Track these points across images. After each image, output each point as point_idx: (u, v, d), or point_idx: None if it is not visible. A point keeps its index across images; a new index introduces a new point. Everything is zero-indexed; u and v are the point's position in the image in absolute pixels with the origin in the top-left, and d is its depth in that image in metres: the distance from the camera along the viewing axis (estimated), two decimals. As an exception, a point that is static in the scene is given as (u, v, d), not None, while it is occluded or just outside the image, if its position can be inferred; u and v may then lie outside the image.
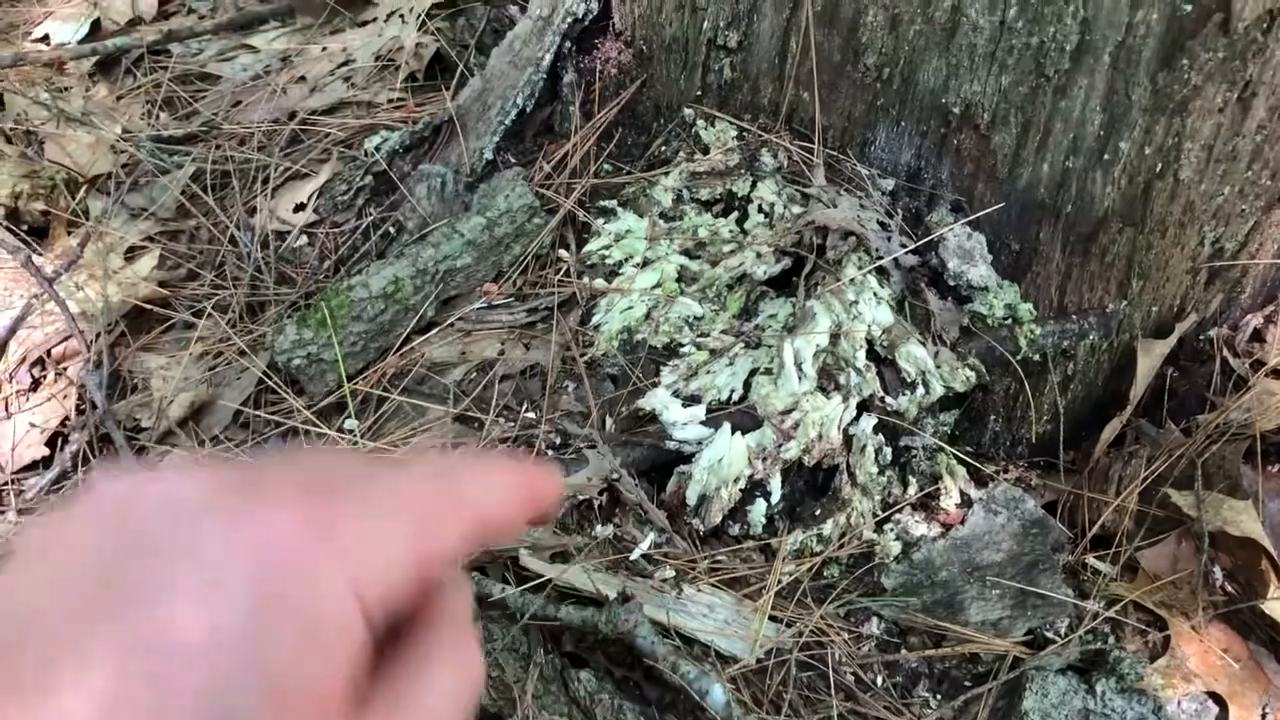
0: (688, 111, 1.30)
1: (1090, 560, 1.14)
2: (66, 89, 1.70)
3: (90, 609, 0.30)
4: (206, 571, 0.31)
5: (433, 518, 0.37)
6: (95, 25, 1.85)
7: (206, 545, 0.31)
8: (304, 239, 1.42)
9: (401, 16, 1.69)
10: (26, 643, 0.30)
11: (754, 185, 1.19)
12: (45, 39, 1.83)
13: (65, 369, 1.32)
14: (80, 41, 1.81)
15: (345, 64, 1.67)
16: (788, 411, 1.07)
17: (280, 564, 0.32)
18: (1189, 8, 0.98)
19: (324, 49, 1.71)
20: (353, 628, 0.33)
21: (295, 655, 0.31)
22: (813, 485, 1.13)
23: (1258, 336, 1.26)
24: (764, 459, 1.07)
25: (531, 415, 1.17)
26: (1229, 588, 1.11)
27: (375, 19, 1.74)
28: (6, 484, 1.22)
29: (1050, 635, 1.06)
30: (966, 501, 1.14)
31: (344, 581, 0.32)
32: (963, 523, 1.11)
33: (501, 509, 0.40)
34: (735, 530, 1.10)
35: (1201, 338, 1.24)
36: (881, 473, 1.11)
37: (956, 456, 1.15)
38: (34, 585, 0.31)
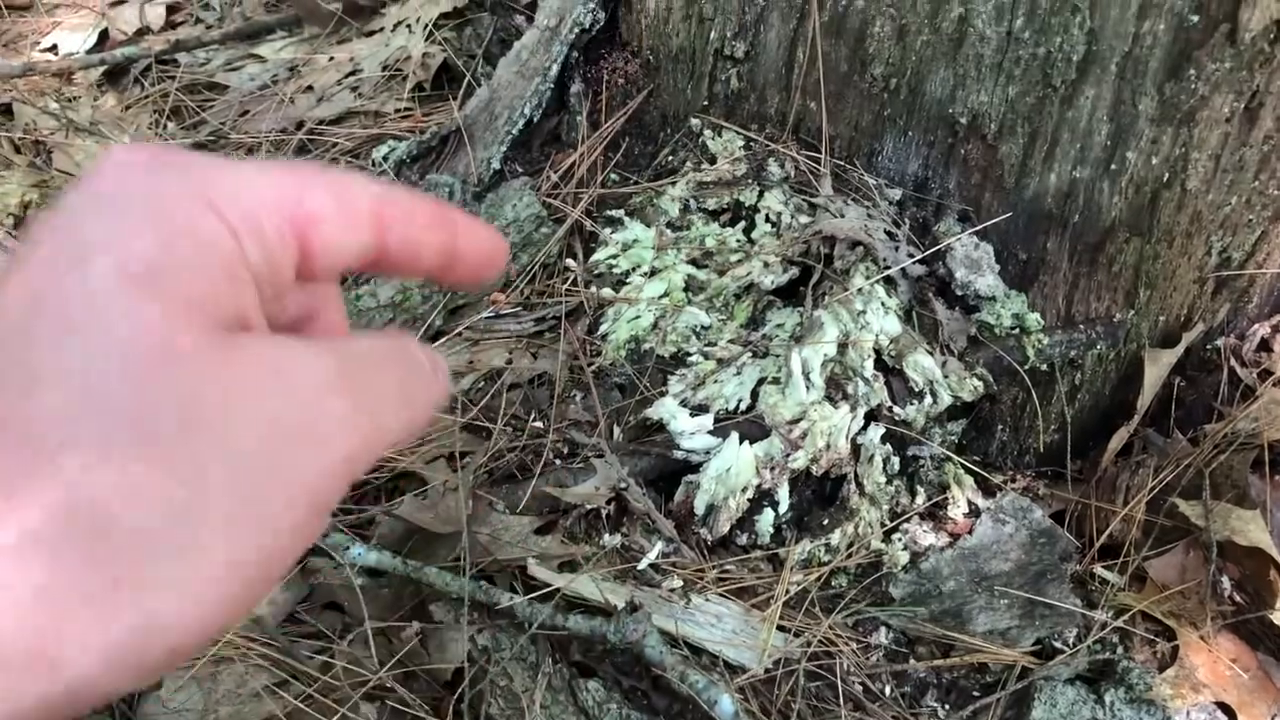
0: (695, 121, 1.31)
1: (1098, 570, 1.14)
2: (75, 99, 1.71)
3: None
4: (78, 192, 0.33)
5: (307, 181, 0.36)
6: (103, 35, 1.86)
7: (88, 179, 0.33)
8: (312, 248, 1.42)
9: (409, 26, 1.70)
10: None
11: (761, 195, 1.19)
12: (54, 49, 1.84)
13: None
14: (88, 51, 1.82)
15: (352, 74, 1.68)
16: (795, 421, 1.07)
17: (104, 169, 0.33)
18: (1195, 18, 0.98)
19: (331, 59, 1.72)
20: (209, 232, 0.32)
21: (151, 241, 0.31)
22: (820, 495, 1.13)
23: (1265, 346, 1.26)
24: (772, 468, 1.07)
25: (539, 424, 1.17)
26: (1237, 598, 1.11)
27: (382, 29, 1.74)
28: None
29: (1058, 645, 1.06)
30: (974, 511, 1.14)
31: (194, 191, 0.33)
32: (970, 532, 1.11)
33: (401, 210, 0.38)
34: (743, 540, 1.10)
35: (1209, 347, 1.24)
36: (889, 482, 1.11)
37: (964, 466, 1.15)
38: None
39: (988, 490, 1.17)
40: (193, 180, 0.33)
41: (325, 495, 0.33)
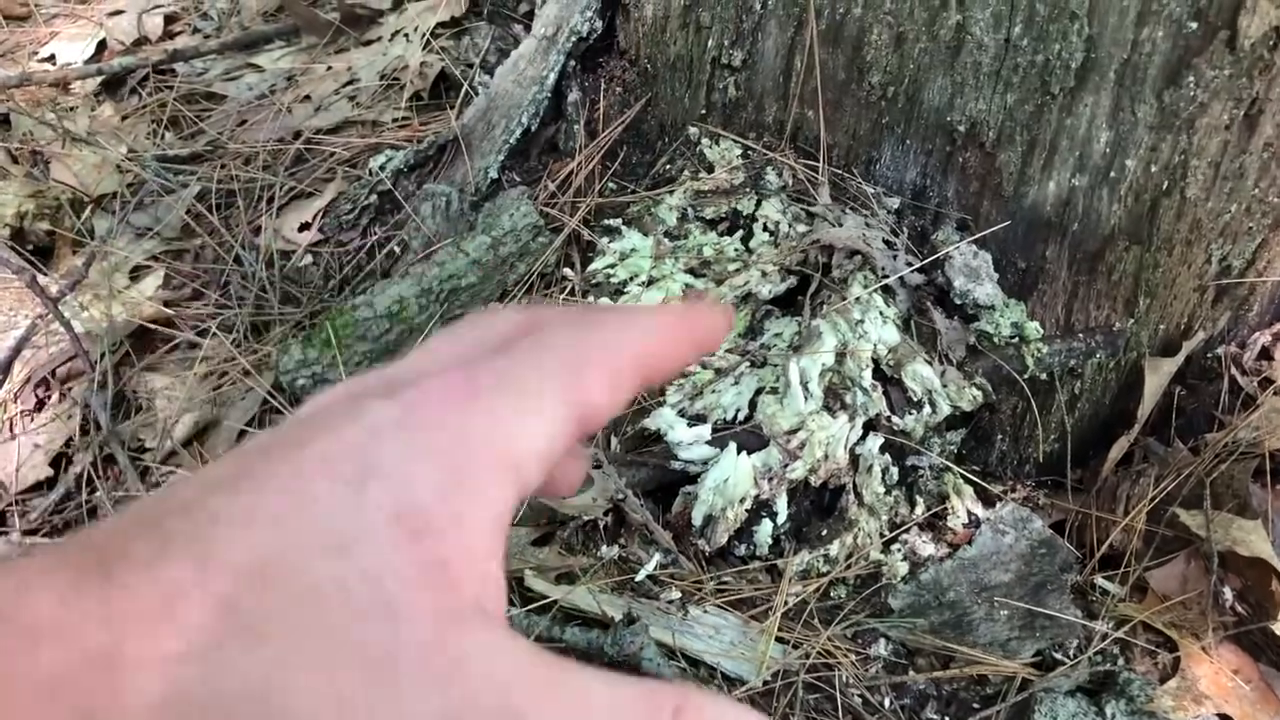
0: (692, 130, 1.30)
1: (1099, 580, 1.13)
2: (72, 109, 1.71)
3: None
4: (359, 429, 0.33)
5: (578, 365, 0.37)
6: (101, 45, 1.86)
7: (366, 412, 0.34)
8: (309, 258, 1.42)
9: (406, 36, 1.70)
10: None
11: (759, 204, 1.19)
12: (51, 59, 1.84)
13: (70, 389, 1.32)
14: (86, 62, 1.82)
15: (350, 83, 1.68)
16: (794, 431, 1.06)
17: (424, 420, 0.33)
18: (1194, 25, 0.98)
19: (329, 68, 1.71)
20: (498, 478, 0.33)
21: (439, 495, 0.33)
22: (819, 505, 1.12)
23: (1266, 354, 1.25)
24: (770, 479, 1.07)
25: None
26: (1239, 608, 1.10)
27: (380, 38, 1.74)
28: (11, 505, 1.21)
29: (1059, 656, 1.05)
30: (974, 521, 1.14)
31: (491, 434, 0.34)
32: (970, 543, 1.10)
33: (659, 345, 0.40)
34: (741, 551, 1.10)
35: (1209, 355, 1.23)
36: (888, 492, 1.11)
37: (964, 476, 1.15)
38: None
39: (987, 500, 1.16)
40: (497, 433, 0.34)
41: None
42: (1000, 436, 1.20)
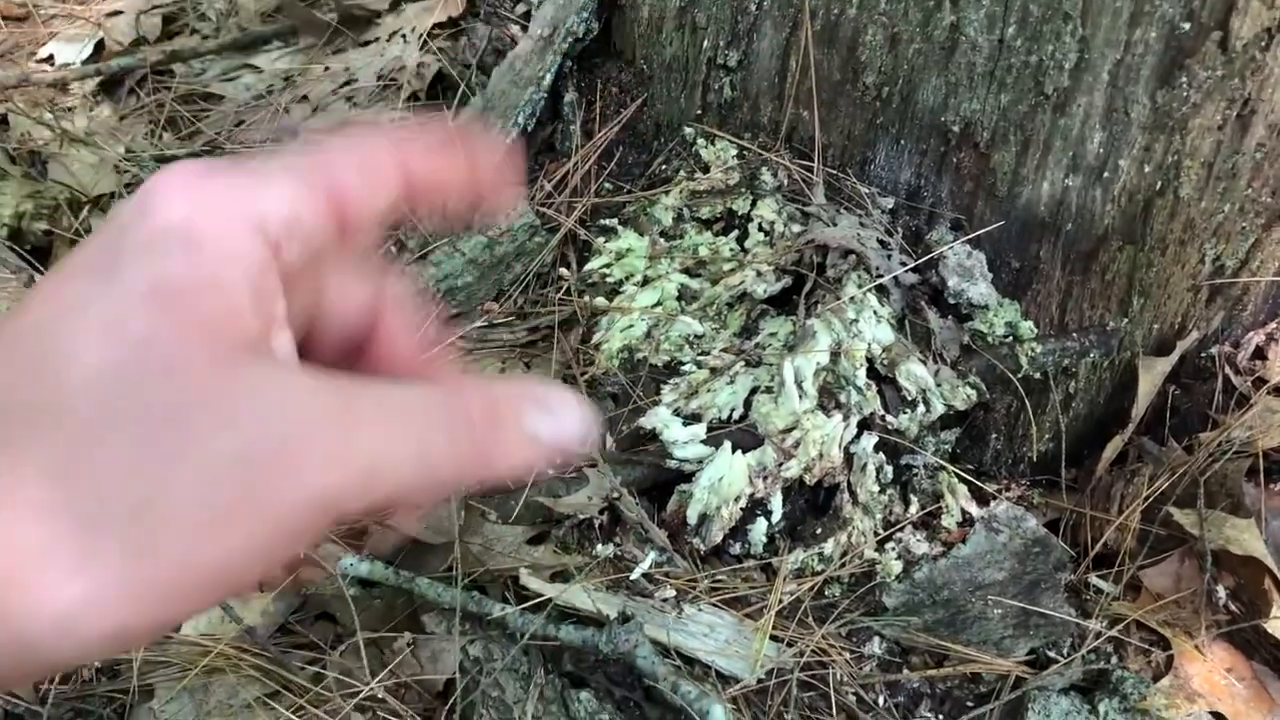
0: (688, 130, 1.31)
1: (1093, 579, 1.14)
2: (70, 109, 1.71)
3: None
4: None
5: (322, 150, 0.38)
6: (99, 46, 1.87)
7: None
8: (306, 258, 1.42)
9: (403, 36, 1.70)
10: None
11: (754, 204, 1.19)
12: (50, 60, 1.84)
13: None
14: (84, 62, 1.82)
15: (348, 83, 1.68)
16: (788, 430, 1.07)
17: (150, 190, 0.36)
18: (1187, 25, 0.98)
19: (326, 68, 1.72)
20: (242, 251, 0.35)
21: (186, 262, 0.35)
22: (814, 504, 1.12)
23: (1260, 354, 1.25)
24: (765, 478, 1.07)
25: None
26: (1233, 607, 1.10)
27: (377, 39, 1.75)
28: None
29: (1053, 655, 1.05)
30: (968, 520, 1.14)
31: (232, 210, 0.36)
32: (964, 541, 1.11)
33: (418, 149, 0.39)
34: (736, 549, 1.10)
35: (1203, 355, 1.24)
36: (883, 491, 1.11)
37: (958, 475, 1.15)
38: None
39: (981, 499, 1.17)
40: (233, 199, 0.36)
41: (294, 526, 0.34)
42: (995, 435, 1.20)
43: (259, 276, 0.35)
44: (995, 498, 1.16)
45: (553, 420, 0.41)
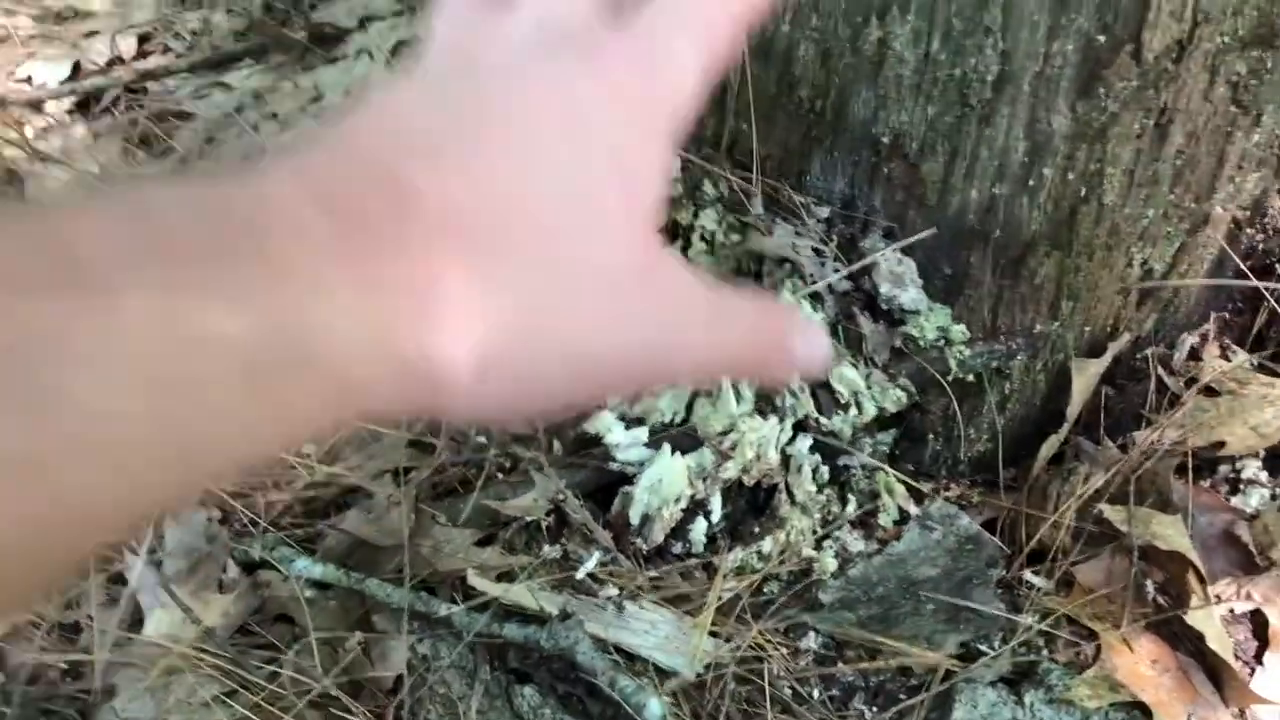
0: (636, 143, 1.34)
1: (1027, 575, 1.17)
2: (46, 129, 1.75)
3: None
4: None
5: (709, 28, 0.47)
6: (77, 66, 1.91)
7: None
8: (270, 271, 1.46)
9: (370, 54, 1.74)
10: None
11: (696, 214, 1.23)
12: (28, 80, 1.88)
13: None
14: (61, 82, 1.86)
15: (315, 100, 1.72)
16: (726, 432, 1.10)
17: (617, 85, 0.43)
18: (1102, 38, 1.02)
19: (296, 85, 1.76)
20: (670, 132, 0.44)
21: (638, 147, 0.43)
22: (753, 504, 1.16)
23: (1195, 355, 1.29)
24: (704, 479, 1.10)
25: (482, 439, 1.21)
26: (1160, 600, 1.14)
27: (346, 56, 1.79)
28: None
29: (983, 648, 1.09)
30: (905, 519, 1.17)
31: (666, 98, 0.45)
32: (899, 539, 1.14)
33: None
34: (678, 549, 1.14)
35: (1138, 356, 1.27)
36: (820, 491, 1.14)
37: (895, 475, 1.19)
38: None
39: (920, 499, 1.20)
40: (668, 94, 0.45)
41: (659, 380, 0.52)
42: (933, 436, 1.23)
43: (670, 166, 0.44)
44: (931, 497, 1.19)
45: (809, 347, 0.51)
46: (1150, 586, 1.14)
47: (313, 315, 0.33)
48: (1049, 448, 1.23)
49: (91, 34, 1.94)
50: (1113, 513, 1.16)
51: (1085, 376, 1.22)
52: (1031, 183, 1.11)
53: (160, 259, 0.31)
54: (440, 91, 0.45)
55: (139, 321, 0.29)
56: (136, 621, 1.18)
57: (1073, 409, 1.23)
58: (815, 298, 1.14)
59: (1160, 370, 1.26)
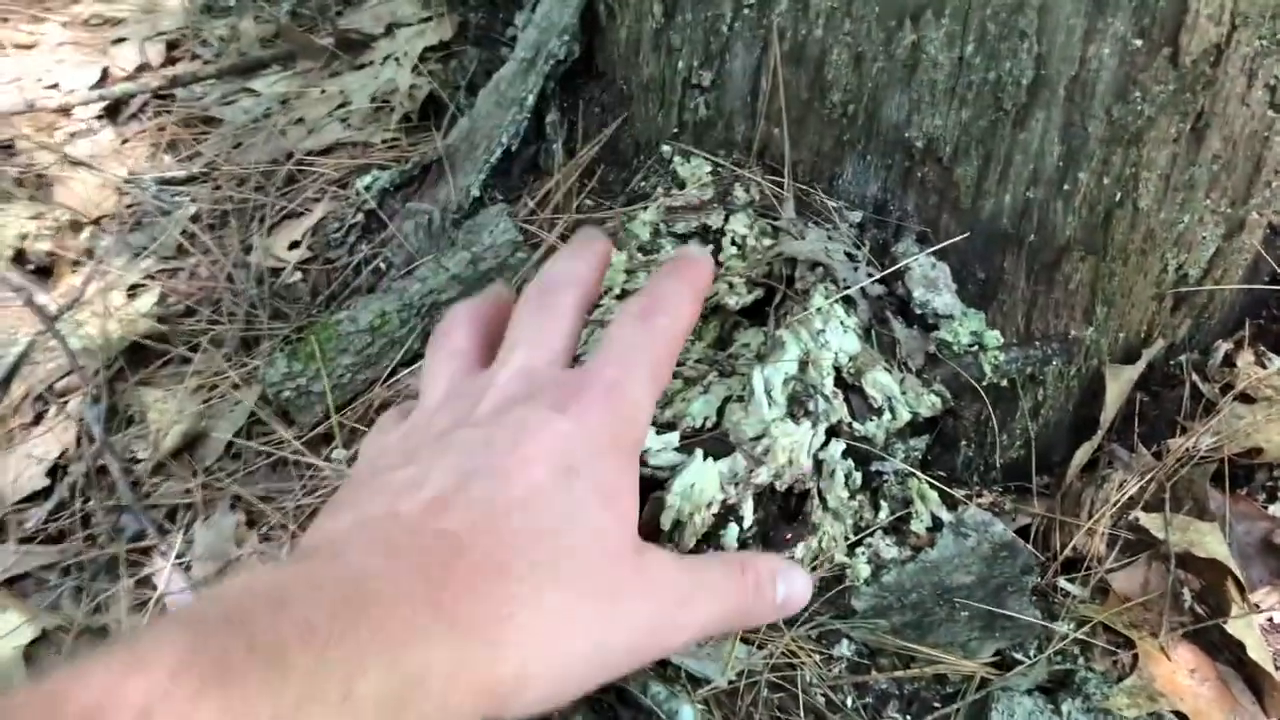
0: (665, 148, 1.34)
1: (1061, 583, 1.16)
2: (75, 134, 1.76)
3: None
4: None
5: (659, 362, 0.67)
6: (105, 73, 1.92)
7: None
8: (298, 275, 1.46)
9: (397, 60, 1.75)
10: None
11: (727, 219, 1.23)
12: (56, 86, 1.90)
13: (66, 403, 1.36)
14: (90, 88, 1.87)
15: (342, 105, 1.72)
16: (758, 438, 1.09)
17: (592, 429, 0.59)
18: (1139, 42, 1.01)
19: (323, 91, 1.76)
20: (637, 451, 0.62)
21: (617, 474, 0.59)
22: (785, 510, 1.15)
23: (1229, 361, 1.28)
24: (736, 484, 1.10)
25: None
26: (1198, 609, 1.12)
27: (372, 62, 1.79)
28: (8, 514, 1.26)
29: (1018, 656, 1.07)
30: (938, 525, 1.16)
31: (634, 429, 0.62)
32: (932, 546, 1.13)
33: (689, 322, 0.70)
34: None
35: (1172, 363, 1.26)
36: (852, 497, 1.13)
37: (928, 481, 1.18)
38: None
39: (952, 505, 1.19)
40: (634, 425, 0.62)
41: (656, 657, 0.60)
42: (965, 443, 1.22)
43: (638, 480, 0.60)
44: (964, 503, 1.18)
45: (788, 588, 0.66)
46: (1187, 595, 1.13)
47: (421, 661, 0.45)
48: (1082, 454, 1.22)
49: (119, 41, 1.95)
50: (1149, 520, 1.15)
51: (1119, 382, 1.21)
52: (1066, 187, 1.10)
53: (315, 639, 0.43)
54: (453, 446, 0.57)
55: (315, 692, 0.42)
56: (166, 625, 1.18)
57: (1106, 415, 1.21)
58: (848, 302, 1.13)
59: (1195, 377, 1.25)
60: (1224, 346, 1.27)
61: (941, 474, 1.22)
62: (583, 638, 0.53)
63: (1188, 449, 1.20)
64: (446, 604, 0.48)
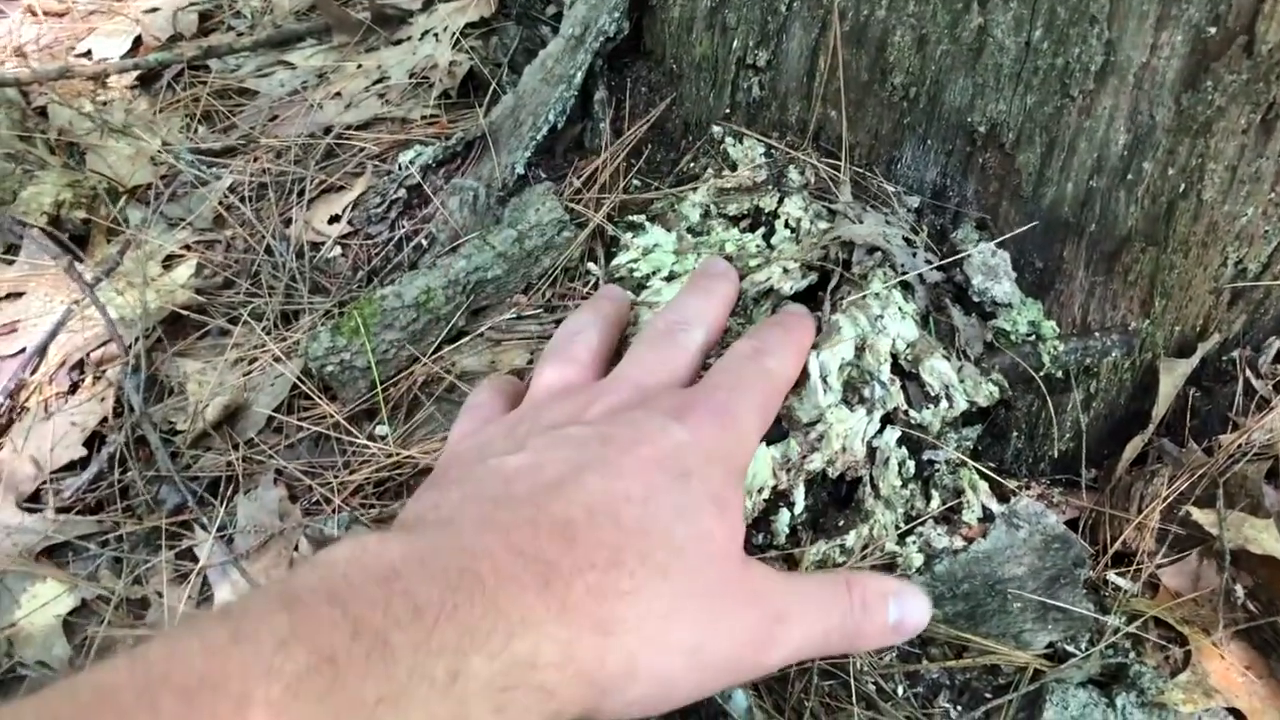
0: (716, 129, 1.33)
1: (1111, 576, 1.15)
2: (108, 102, 1.74)
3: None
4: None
5: (773, 394, 0.75)
6: (137, 41, 1.90)
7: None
8: (338, 250, 1.44)
9: (436, 35, 1.73)
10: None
11: (781, 201, 1.21)
12: (88, 54, 1.88)
13: (104, 372, 1.35)
14: (122, 57, 1.86)
15: (380, 80, 1.71)
16: (813, 424, 1.08)
17: (706, 440, 0.63)
18: (1213, 30, 0.99)
19: (359, 66, 1.75)
20: (745, 469, 0.66)
21: (726, 484, 0.63)
22: (836, 497, 1.14)
23: (1280, 358, 1.26)
24: (788, 470, 1.08)
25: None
26: (1251, 606, 1.11)
27: (410, 37, 1.77)
28: (46, 483, 1.24)
29: (1071, 649, 1.07)
30: (989, 516, 1.15)
31: (742, 446, 0.69)
32: (984, 536, 1.12)
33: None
34: (760, 540, 1.11)
35: (1224, 358, 1.25)
36: (904, 485, 1.12)
37: (979, 471, 1.16)
38: None
39: (1002, 496, 1.18)
40: (743, 443, 0.68)
41: (759, 674, 0.60)
42: (1016, 434, 1.21)
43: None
44: (1015, 494, 1.17)
45: (901, 611, 0.66)
46: (1240, 591, 1.12)
47: (531, 644, 0.45)
48: (1133, 449, 1.21)
49: (152, 10, 1.93)
50: (1201, 515, 1.14)
51: (1173, 377, 1.20)
52: (1130, 176, 1.08)
53: (424, 618, 0.42)
54: (568, 440, 0.57)
55: (423, 672, 0.41)
56: (205, 598, 1.17)
57: (1159, 409, 1.20)
58: (905, 287, 1.12)
59: (1248, 373, 1.23)
60: (1276, 343, 1.26)
61: (991, 465, 1.21)
62: (687, 636, 0.52)
63: (1240, 445, 1.18)
64: (559, 590, 0.47)
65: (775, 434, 1.10)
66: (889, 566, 1.12)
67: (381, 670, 0.39)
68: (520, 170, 1.40)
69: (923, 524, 1.14)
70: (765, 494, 1.09)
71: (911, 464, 1.13)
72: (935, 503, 1.14)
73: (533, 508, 0.51)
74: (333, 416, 1.23)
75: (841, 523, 1.11)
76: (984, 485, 1.17)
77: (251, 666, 0.37)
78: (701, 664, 0.53)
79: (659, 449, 0.56)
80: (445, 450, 0.62)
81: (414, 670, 0.40)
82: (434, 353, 1.27)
